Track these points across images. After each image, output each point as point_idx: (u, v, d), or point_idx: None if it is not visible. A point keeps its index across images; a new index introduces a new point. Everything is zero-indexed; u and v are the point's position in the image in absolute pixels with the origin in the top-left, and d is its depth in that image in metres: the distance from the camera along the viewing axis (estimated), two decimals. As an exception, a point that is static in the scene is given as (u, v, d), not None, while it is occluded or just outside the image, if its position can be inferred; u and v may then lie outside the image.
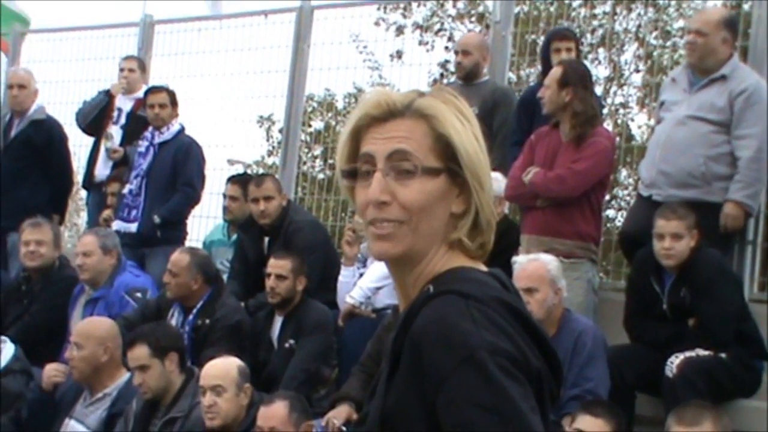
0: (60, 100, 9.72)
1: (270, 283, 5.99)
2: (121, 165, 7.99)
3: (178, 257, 6.24)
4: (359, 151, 1.79)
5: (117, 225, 7.39)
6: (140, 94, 8.15)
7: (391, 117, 1.77)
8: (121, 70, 8.31)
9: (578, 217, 5.74)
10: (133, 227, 7.34)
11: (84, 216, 10.04)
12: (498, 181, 5.68)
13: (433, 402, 1.60)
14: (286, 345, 5.96)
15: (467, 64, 6.98)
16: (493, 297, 1.67)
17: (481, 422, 1.57)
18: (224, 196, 7.54)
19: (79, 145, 8.80)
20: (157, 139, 7.51)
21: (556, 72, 5.82)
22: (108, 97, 8.27)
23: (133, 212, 7.40)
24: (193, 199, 7.62)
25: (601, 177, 5.86)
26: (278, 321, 6.09)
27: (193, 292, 6.17)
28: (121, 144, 8.09)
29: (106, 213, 7.83)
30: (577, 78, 5.78)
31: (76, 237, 9.53)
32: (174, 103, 7.58)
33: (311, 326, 5.94)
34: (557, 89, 5.73)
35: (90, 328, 5.73)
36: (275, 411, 4.86)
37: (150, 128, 7.59)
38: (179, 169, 7.42)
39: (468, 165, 1.76)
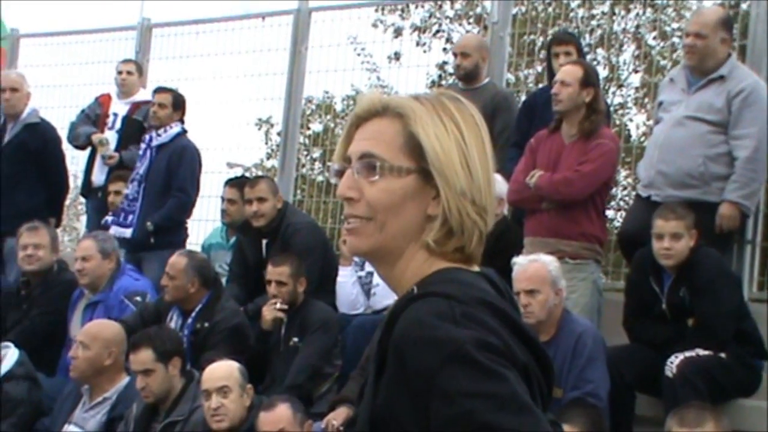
0: (58, 105, 9.71)
1: (272, 290, 6.02)
2: (118, 170, 7.92)
3: (175, 260, 6.22)
4: None
5: (113, 230, 7.27)
6: (137, 98, 8.12)
7: (372, 117, 1.79)
8: (119, 72, 8.25)
9: (583, 219, 5.74)
10: (127, 232, 7.25)
11: (83, 220, 10.00)
12: (498, 183, 5.67)
13: (425, 403, 1.58)
14: (290, 343, 5.97)
15: (467, 65, 6.99)
16: (476, 298, 1.65)
17: (480, 409, 1.54)
18: (222, 199, 7.52)
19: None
20: (155, 142, 7.42)
21: (576, 71, 5.80)
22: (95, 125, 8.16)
23: (130, 217, 7.31)
24: (187, 204, 7.51)
25: (607, 178, 5.87)
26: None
27: (190, 295, 6.15)
28: (117, 148, 8.02)
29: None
30: (596, 78, 5.84)
31: (76, 241, 9.49)
32: (175, 105, 7.47)
33: (316, 324, 5.95)
34: (578, 88, 5.74)
35: (97, 330, 5.72)
36: (280, 414, 4.86)
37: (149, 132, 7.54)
38: (173, 174, 7.34)
39: (436, 166, 1.73)
